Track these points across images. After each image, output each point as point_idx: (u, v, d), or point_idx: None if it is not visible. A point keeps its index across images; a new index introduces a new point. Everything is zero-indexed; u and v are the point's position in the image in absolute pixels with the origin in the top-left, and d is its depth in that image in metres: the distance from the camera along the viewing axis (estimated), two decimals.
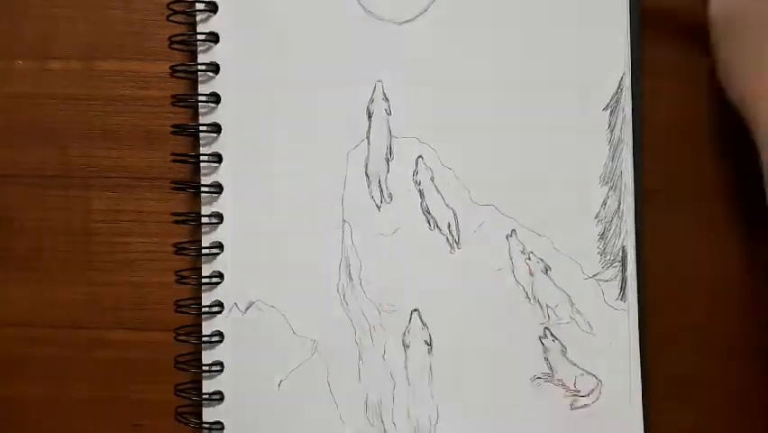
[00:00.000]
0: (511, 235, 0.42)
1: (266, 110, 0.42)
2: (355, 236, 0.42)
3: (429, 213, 0.42)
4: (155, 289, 0.43)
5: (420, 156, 0.42)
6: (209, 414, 0.42)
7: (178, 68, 0.41)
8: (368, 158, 0.42)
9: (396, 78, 0.42)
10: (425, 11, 0.42)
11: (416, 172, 0.42)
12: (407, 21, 0.42)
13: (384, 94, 0.42)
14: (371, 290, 0.42)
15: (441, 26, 0.42)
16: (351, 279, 0.42)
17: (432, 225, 0.42)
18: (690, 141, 0.43)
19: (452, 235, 0.42)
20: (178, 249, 0.41)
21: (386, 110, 0.42)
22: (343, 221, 0.42)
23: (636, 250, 0.41)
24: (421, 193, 0.42)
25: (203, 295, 0.42)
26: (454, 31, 0.42)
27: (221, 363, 0.42)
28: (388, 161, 0.42)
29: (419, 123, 0.42)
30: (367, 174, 0.42)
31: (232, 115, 0.42)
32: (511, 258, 0.42)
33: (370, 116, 0.42)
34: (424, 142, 0.42)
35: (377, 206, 0.42)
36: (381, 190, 0.42)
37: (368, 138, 0.42)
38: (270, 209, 0.42)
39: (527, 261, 0.42)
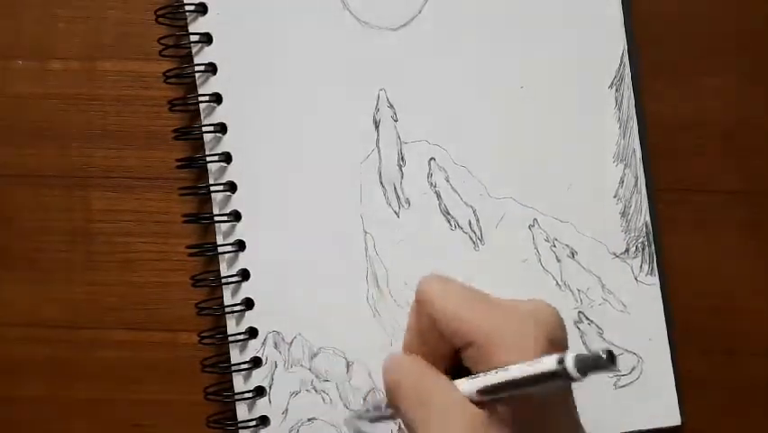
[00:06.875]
0: (533, 225, 0.42)
1: (269, 134, 0.42)
2: (378, 246, 0.42)
3: (449, 213, 0.42)
4: (155, 289, 0.43)
5: (432, 158, 0.42)
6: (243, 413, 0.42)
7: (170, 72, 0.41)
8: (380, 166, 0.42)
9: (398, 83, 0.42)
10: (419, 13, 0.42)
11: (430, 174, 0.42)
12: (403, 25, 0.42)
13: (388, 101, 0.42)
14: (401, 297, 0.41)
15: (437, 26, 0.42)
16: (379, 288, 0.42)
17: (453, 225, 0.42)
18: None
19: (475, 233, 0.42)
20: (195, 251, 0.41)
21: (392, 117, 0.42)
22: (365, 232, 0.42)
23: (653, 229, 0.42)
24: (438, 194, 0.42)
25: (225, 297, 0.42)
26: (451, 28, 0.42)
27: (256, 358, 0.41)
28: (400, 166, 0.42)
29: (427, 125, 0.42)
30: (382, 183, 0.42)
31: (234, 118, 0.42)
32: (536, 247, 0.42)
33: (377, 125, 0.42)
34: (434, 143, 0.42)
35: (395, 213, 0.42)
36: (398, 197, 0.42)
37: (378, 147, 0.42)
38: (287, 230, 0.42)
39: (552, 248, 0.41)
